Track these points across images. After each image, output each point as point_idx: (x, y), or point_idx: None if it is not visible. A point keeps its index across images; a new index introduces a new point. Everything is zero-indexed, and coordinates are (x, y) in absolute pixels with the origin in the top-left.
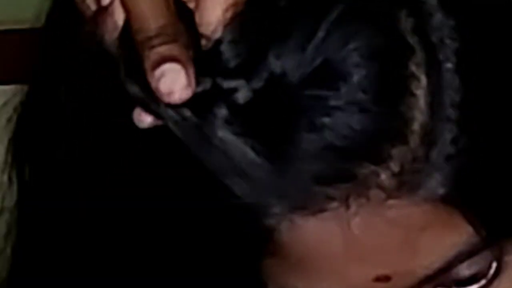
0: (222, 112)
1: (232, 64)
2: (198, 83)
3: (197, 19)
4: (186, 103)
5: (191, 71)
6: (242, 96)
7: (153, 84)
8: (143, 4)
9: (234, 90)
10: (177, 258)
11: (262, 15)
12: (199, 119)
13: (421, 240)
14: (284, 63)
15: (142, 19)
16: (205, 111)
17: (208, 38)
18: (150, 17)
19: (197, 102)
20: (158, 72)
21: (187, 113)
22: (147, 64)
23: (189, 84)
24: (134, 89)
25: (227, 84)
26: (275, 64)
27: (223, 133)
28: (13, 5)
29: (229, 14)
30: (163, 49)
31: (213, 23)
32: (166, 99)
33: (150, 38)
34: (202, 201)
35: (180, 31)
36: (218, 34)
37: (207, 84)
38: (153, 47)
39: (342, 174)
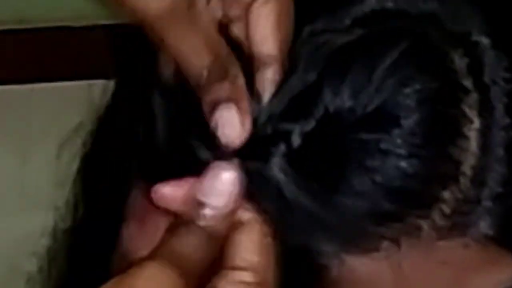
0: (279, 155)
1: (287, 105)
2: (255, 126)
3: (249, 36)
4: (246, 148)
5: (247, 114)
6: (296, 138)
7: (214, 132)
8: (187, 43)
9: (289, 132)
10: None
11: (320, 54)
12: (260, 162)
13: (470, 279)
14: (339, 105)
15: (189, 59)
16: (265, 155)
17: (261, 62)
18: (196, 55)
19: (256, 146)
20: (214, 120)
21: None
22: (205, 109)
23: (243, 129)
24: (204, 153)
25: (283, 127)
26: (330, 105)
27: (279, 176)
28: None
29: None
30: (214, 90)
31: (267, 38)
32: (226, 147)
33: (199, 79)
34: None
35: (232, 62)
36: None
37: (265, 127)
38: (205, 89)
39: (393, 215)
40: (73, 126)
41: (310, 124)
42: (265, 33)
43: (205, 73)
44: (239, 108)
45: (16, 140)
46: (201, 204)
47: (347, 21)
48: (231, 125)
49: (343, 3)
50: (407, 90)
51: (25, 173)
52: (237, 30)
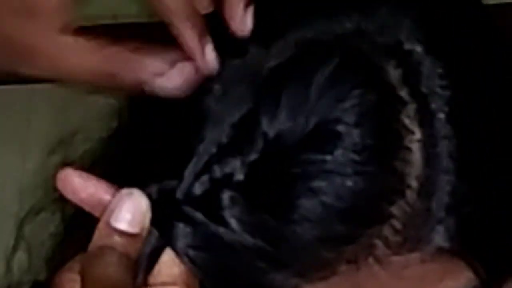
0: (226, 197)
1: (225, 142)
2: (196, 182)
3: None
4: (197, 205)
5: None
6: (239, 173)
7: None
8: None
9: (232, 172)
10: None
11: (248, 80)
12: (209, 218)
13: None
14: (278, 129)
15: None
16: (214, 206)
17: None
18: None
19: (204, 201)
20: None
21: (199, 216)
22: None
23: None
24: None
25: (224, 169)
26: (269, 131)
27: (230, 216)
28: None
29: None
30: None
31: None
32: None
33: None
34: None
35: None
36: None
37: (206, 180)
38: None
39: (346, 236)
40: (73, 126)
41: (253, 155)
42: None
43: None
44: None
45: (16, 140)
46: (112, 229)
47: (275, 49)
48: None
49: (271, 34)
50: (345, 106)
51: (25, 173)
52: None
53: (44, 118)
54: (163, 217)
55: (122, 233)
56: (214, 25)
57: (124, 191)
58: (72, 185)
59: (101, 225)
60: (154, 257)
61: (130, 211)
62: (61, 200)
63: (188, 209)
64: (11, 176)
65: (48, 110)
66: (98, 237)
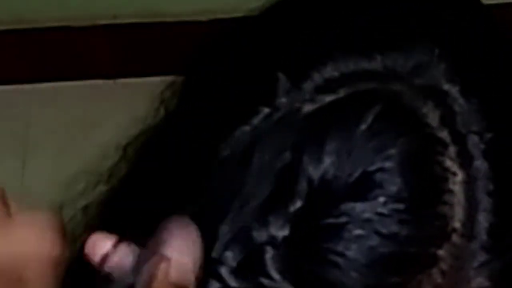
0: (269, 257)
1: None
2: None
3: None
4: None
5: None
6: (284, 230)
7: None
8: None
9: (275, 234)
10: None
11: (286, 129)
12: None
13: None
14: (323, 175)
15: None
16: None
17: None
18: None
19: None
20: None
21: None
22: None
23: None
24: None
25: (268, 230)
26: (314, 177)
27: (275, 273)
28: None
29: None
30: None
31: None
32: None
33: None
34: None
35: None
36: None
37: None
38: None
39: (396, 284)
40: (73, 125)
41: (298, 203)
42: None
43: None
44: None
45: (16, 141)
46: None
47: (308, 91)
48: None
49: (299, 74)
50: (388, 154)
51: (25, 174)
52: None
53: (44, 118)
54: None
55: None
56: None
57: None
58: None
59: None
60: None
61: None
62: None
63: (223, 271)
64: (11, 177)
65: (48, 110)
66: None
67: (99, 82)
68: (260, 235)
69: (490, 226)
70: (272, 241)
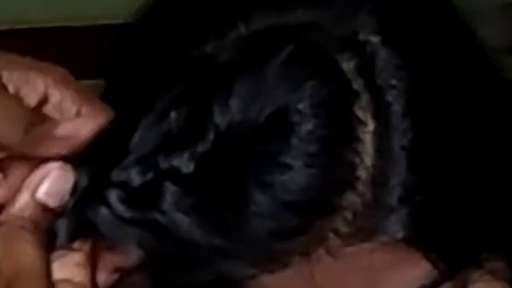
0: (170, 192)
1: (176, 133)
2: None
3: None
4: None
5: None
6: (188, 166)
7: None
8: None
9: (179, 166)
10: None
11: (202, 73)
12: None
13: (384, 280)
14: (229, 120)
15: None
16: (153, 199)
17: None
18: None
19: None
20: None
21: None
22: None
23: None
24: None
25: (171, 161)
26: (220, 123)
27: (175, 215)
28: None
29: None
30: None
31: None
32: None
33: None
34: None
35: None
36: None
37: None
38: None
39: (298, 229)
40: None
41: (203, 147)
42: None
43: None
44: None
45: None
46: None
47: (228, 42)
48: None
49: (225, 28)
50: (298, 96)
51: None
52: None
53: None
54: (90, 197)
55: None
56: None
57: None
58: None
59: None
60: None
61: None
62: None
63: (113, 196)
64: None
65: None
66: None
67: (100, 82)
68: (163, 163)
69: (403, 179)
70: (173, 173)
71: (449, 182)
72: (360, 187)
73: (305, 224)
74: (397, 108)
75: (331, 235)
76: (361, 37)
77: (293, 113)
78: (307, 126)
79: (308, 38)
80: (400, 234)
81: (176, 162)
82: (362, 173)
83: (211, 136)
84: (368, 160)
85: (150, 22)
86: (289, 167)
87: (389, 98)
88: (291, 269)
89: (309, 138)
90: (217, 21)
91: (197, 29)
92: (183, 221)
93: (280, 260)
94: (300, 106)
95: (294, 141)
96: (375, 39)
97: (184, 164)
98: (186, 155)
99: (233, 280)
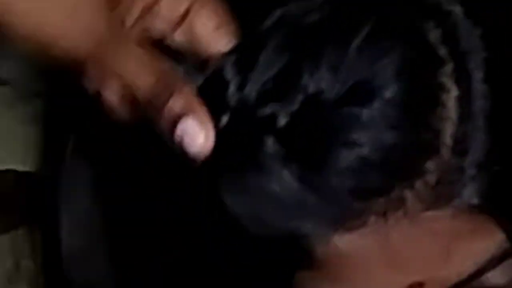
0: (270, 141)
1: (267, 88)
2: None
3: (195, 40)
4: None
5: (206, 122)
6: (281, 120)
7: (179, 149)
8: (124, 69)
9: (273, 116)
10: (219, 271)
11: (292, 35)
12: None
13: (457, 248)
14: (318, 84)
15: (135, 86)
16: (254, 145)
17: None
18: (137, 79)
19: (244, 133)
20: (176, 137)
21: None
22: (164, 128)
23: (207, 138)
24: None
25: (266, 111)
26: (309, 85)
27: (271, 162)
28: None
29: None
30: (168, 109)
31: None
32: (194, 160)
33: (150, 102)
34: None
35: (174, 75)
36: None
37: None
38: (157, 110)
39: (378, 188)
40: None
41: (294, 105)
42: (211, 33)
43: (152, 94)
44: (197, 118)
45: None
46: None
47: (314, 3)
48: (194, 136)
49: None
50: (382, 62)
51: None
52: (178, 37)
53: None
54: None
55: None
56: None
57: None
58: None
59: None
60: None
61: None
62: None
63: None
64: None
65: None
66: None
67: None
68: (261, 114)
69: (483, 145)
70: (271, 125)
71: None
72: (444, 152)
73: (386, 184)
74: (479, 75)
75: (411, 198)
76: (445, 7)
77: (377, 79)
78: (390, 91)
79: (393, 6)
80: (477, 201)
81: (270, 112)
82: (446, 139)
83: (300, 97)
84: (451, 126)
85: None
86: (372, 127)
87: (472, 65)
88: (366, 230)
89: (392, 102)
90: None
91: None
92: (271, 170)
93: (356, 219)
94: (384, 72)
95: (377, 104)
96: (458, 9)
97: (278, 117)
98: (279, 109)
99: (303, 243)
